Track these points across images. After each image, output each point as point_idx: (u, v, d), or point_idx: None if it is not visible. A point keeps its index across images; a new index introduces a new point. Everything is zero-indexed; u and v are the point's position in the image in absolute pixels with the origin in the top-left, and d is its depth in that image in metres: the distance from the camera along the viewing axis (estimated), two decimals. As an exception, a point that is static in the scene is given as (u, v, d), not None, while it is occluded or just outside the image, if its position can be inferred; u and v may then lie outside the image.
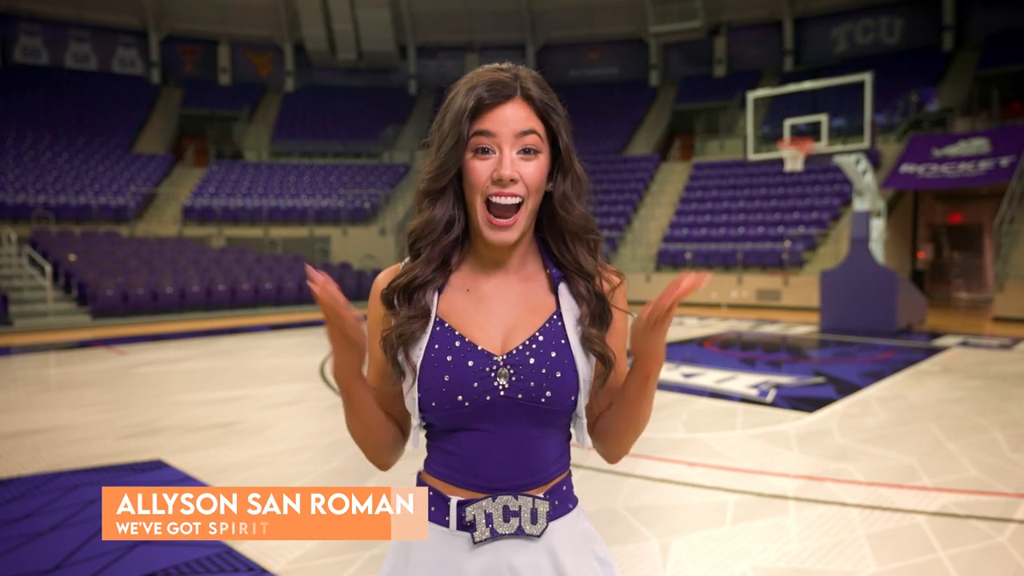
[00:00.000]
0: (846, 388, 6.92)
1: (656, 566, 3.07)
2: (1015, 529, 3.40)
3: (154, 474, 4.37)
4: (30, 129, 21.48)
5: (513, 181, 1.04)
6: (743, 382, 7.24)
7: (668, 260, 17.52)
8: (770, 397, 6.55)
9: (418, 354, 1.07)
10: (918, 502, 3.79)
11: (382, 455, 1.17)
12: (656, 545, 3.28)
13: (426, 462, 1.14)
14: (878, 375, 7.59)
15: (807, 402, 6.33)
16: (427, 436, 1.12)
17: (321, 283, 0.97)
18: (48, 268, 13.57)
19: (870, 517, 3.59)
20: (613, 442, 1.16)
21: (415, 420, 1.10)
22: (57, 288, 14.03)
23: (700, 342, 10.37)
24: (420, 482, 1.14)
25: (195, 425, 5.65)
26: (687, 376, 7.52)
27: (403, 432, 1.18)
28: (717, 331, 11.78)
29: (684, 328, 12.10)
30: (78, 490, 4.04)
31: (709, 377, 7.50)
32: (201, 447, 5.00)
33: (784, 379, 7.43)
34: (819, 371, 7.97)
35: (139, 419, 5.86)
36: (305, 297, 16.12)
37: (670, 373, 7.62)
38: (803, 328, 12.04)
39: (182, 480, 4.24)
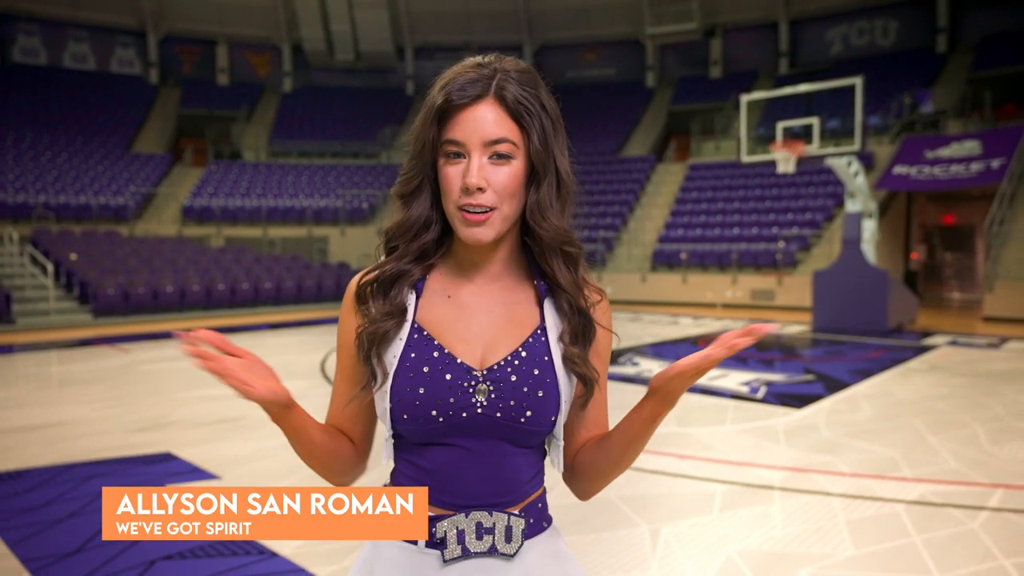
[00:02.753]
0: (835, 385, 7.10)
1: (646, 550, 3.24)
2: (987, 516, 3.58)
3: (164, 466, 4.53)
4: (29, 129, 21.59)
5: (481, 190, 0.98)
6: (735, 379, 7.41)
7: (664, 260, 17.71)
8: (760, 394, 6.72)
9: (392, 360, 1.02)
10: (898, 492, 3.97)
11: (333, 477, 1.11)
12: (646, 531, 3.45)
13: (393, 475, 1.09)
14: (867, 373, 7.77)
15: (796, 398, 6.50)
16: (395, 448, 1.07)
17: (206, 357, 0.93)
18: (50, 267, 13.71)
19: (851, 505, 3.76)
20: (596, 479, 1.11)
21: (386, 432, 1.05)
22: (58, 287, 14.16)
23: (694, 341, 10.55)
24: None
25: (201, 420, 5.81)
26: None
27: (359, 451, 1.13)
28: (711, 330, 11.96)
29: (679, 327, 12.28)
30: (91, 481, 4.20)
31: (702, 374, 7.66)
32: (208, 441, 5.16)
33: (775, 376, 7.60)
34: (810, 369, 8.15)
35: (146, 414, 6.02)
36: (304, 296, 16.28)
37: (664, 371, 7.79)
38: (796, 327, 12.22)
39: (191, 472, 4.40)
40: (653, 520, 3.56)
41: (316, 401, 6.56)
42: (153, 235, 18.57)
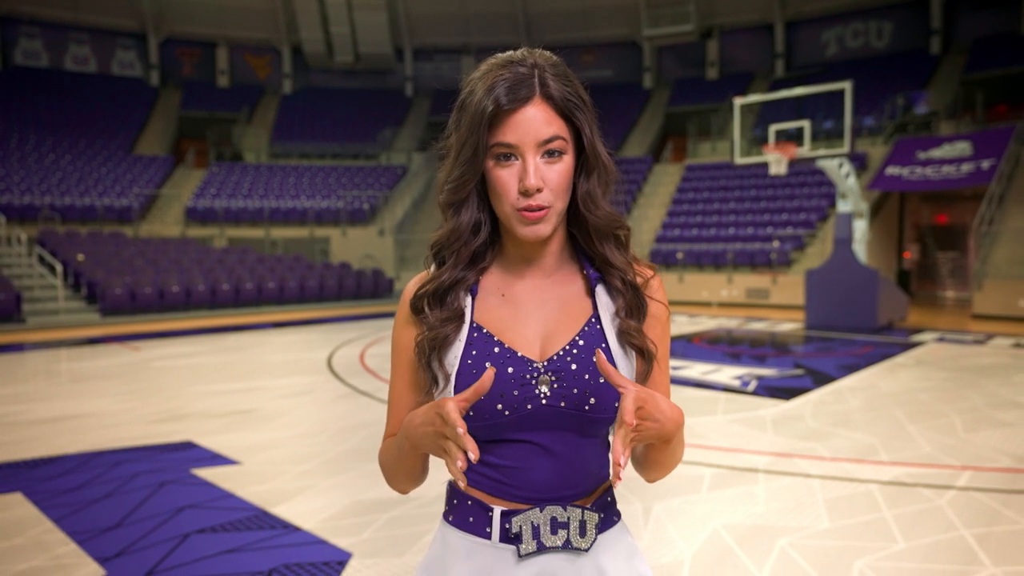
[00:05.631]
0: (823, 379, 7.39)
1: (639, 524, 3.53)
2: (954, 494, 3.87)
3: (187, 453, 4.81)
4: (32, 131, 21.88)
5: (539, 190, 1.00)
6: (727, 374, 7.70)
7: (660, 260, 17.99)
8: (751, 387, 7.01)
9: (453, 361, 1.03)
10: (874, 473, 4.26)
11: (408, 484, 1.13)
12: (639, 508, 3.73)
13: None
14: (854, 367, 8.06)
15: (785, 391, 6.79)
16: None
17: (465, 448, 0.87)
18: (58, 267, 13.98)
19: (829, 486, 4.05)
20: (645, 471, 1.11)
21: None
22: (67, 287, 14.43)
23: (689, 338, 10.83)
24: (453, 491, 1.09)
25: (217, 412, 6.09)
26: (675, 369, 7.98)
27: (425, 457, 1.10)
28: (706, 328, 12.26)
29: (675, 325, 12.56)
30: (120, 466, 4.48)
31: (696, 369, 7.97)
32: (225, 431, 5.44)
33: (766, 371, 7.89)
34: (800, 364, 8.44)
35: (163, 407, 6.30)
36: (307, 296, 16.55)
37: (659, 366, 8.06)
38: (789, 325, 12.51)
39: (213, 458, 4.69)
40: (646, 499, 3.85)
41: (326, 394, 6.87)
42: (157, 236, 18.85)
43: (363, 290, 17.68)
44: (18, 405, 6.47)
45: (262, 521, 3.56)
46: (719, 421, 5.64)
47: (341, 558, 3.15)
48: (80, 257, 14.99)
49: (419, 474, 1.11)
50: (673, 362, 8.37)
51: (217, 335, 11.88)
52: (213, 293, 15.05)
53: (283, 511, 3.70)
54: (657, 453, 1.03)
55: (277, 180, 22.81)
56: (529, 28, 27.37)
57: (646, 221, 19.99)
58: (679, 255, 17.56)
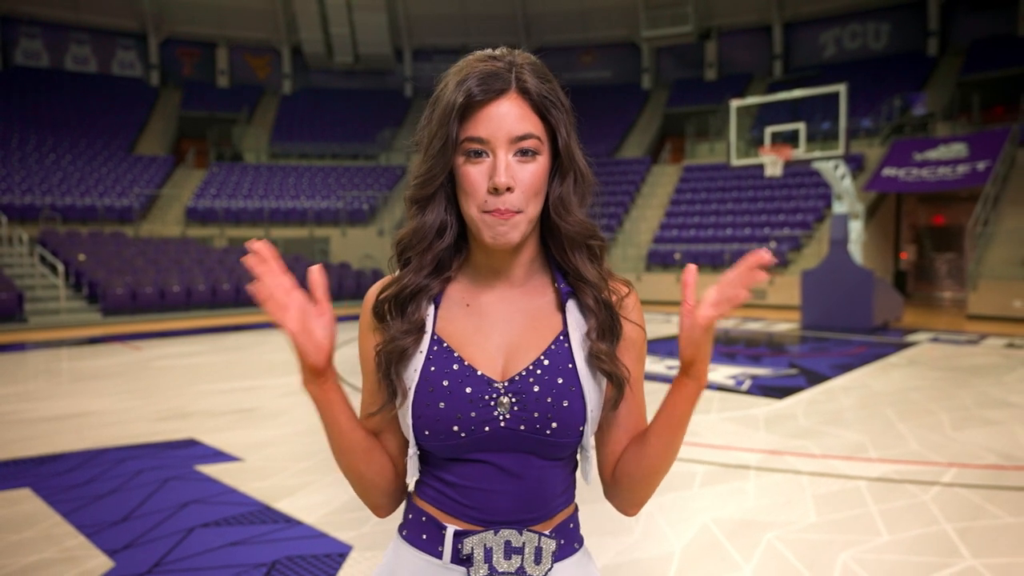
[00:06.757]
0: (816, 378, 7.49)
1: (630, 519, 3.62)
2: (939, 490, 3.98)
3: (190, 450, 4.91)
4: (33, 131, 21.97)
5: (509, 189, 0.93)
6: (722, 373, 7.80)
7: (658, 260, 18.10)
8: (745, 386, 7.11)
9: (412, 375, 0.97)
10: (862, 470, 4.36)
11: (373, 494, 1.05)
12: (632, 503, 3.83)
13: (418, 485, 1.04)
14: (848, 367, 8.17)
15: (779, 390, 6.89)
16: (422, 461, 1.02)
17: (261, 265, 0.89)
18: (60, 267, 14.08)
19: (818, 482, 4.15)
20: (641, 484, 1.03)
21: (411, 448, 1.00)
22: (68, 287, 14.52)
23: (686, 338, 10.92)
24: (411, 505, 1.04)
25: (218, 410, 6.18)
26: (670, 368, 8.08)
27: (395, 464, 1.05)
28: (703, 328, 12.34)
29: (671, 325, 12.66)
30: (125, 463, 4.58)
31: (691, 369, 8.04)
32: (227, 428, 5.54)
33: (761, 371, 7.99)
34: (794, 364, 8.54)
35: (166, 405, 6.39)
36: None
37: (654, 365, 8.18)
38: (785, 325, 12.61)
39: (216, 455, 4.78)
40: (639, 494, 3.94)
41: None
42: (158, 236, 18.94)
43: (362, 290, 17.76)
44: (22, 404, 6.56)
45: (264, 516, 3.66)
46: (712, 419, 5.74)
47: (342, 551, 3.25)
48: (81, 257, 15.08)
49: (357, 451, 1.00)
50: (669, 361, 8.47)
51: (218, 335, 11.98)
52: (214, 293, 15.14)
53: (285, 506, 3.80)
54: (679, 421, 0.98)
55: (277, 180, 22.90)
56: (528, 29, 27.48)
57: (644, 222, 20.10)
58: (677, 255, 17.66)
